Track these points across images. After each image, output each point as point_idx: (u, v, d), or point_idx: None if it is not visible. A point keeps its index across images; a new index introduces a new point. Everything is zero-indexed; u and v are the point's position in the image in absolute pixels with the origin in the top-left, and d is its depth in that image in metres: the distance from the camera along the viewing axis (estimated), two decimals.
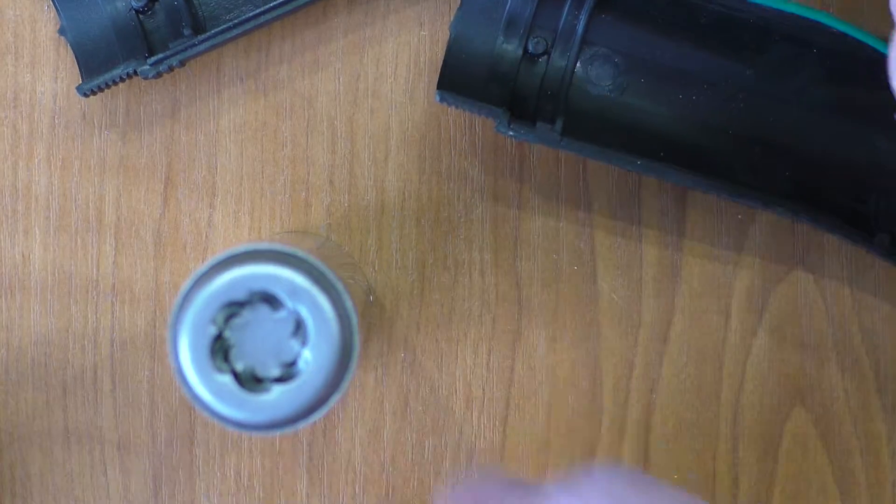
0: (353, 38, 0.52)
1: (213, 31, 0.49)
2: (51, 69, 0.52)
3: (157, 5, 0.49)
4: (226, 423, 0.43)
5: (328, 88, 0.52)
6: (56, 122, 0.52)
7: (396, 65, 0.52)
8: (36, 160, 0.52)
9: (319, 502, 0.52)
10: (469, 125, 0.52)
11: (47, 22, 0.51)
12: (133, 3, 0.49)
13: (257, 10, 0.49)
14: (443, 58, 0.49)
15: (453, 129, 0.52)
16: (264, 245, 0.43)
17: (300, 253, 0.43)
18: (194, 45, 0.49)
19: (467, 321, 0.52)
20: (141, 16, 0.49)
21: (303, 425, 0.43)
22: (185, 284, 0.43)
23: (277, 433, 0.44)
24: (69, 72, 0.51)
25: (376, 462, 0.52)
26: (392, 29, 0.52)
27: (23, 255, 0.52)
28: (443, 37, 0.52)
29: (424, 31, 0.52)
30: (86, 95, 0.49)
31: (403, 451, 0.52)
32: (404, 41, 0.52)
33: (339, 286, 0.43)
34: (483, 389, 0.52)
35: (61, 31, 0.50)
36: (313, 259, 0.43)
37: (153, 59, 0.48)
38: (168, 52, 0.49)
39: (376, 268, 0.52)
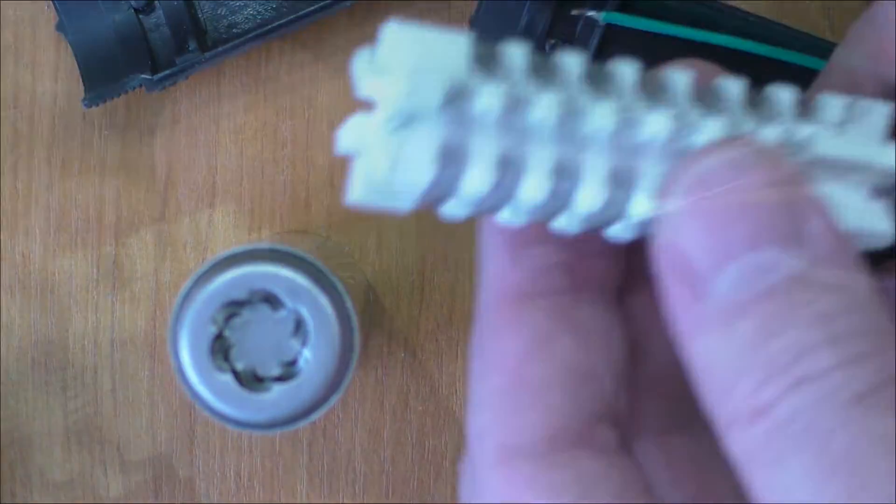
0: (354, 37, 0.52)
1: (219, 49, 0.49)
2: (51, 69, 0.52)
3: (156, 3, 0.50)
4: (226, 421, 0.43)
5: (328, 88, 0.52)
6: (56, 122, 0.52)
7: None
8: (36, 160, 0.52)
9: (319, 502, 0.52)
10: None
11: (47, 22, 0.51)
12: (132, 3, 0.49)
13: (264, 29, 0.49)
14: None
15: None
16: (264, 245, 0.43)
17: (300, 253, 0.43)
18: (200, 61, 0.49)
19: (467, 321, 0.52)
20: (141, 16, 0.49)
21: (303, 424, 0.43)
22: (186, 284, 0.43)
23: (277, 432, 0.44)
24: (69, 72, 0.51)
25: (376, 462, 0.52)
26: None
27: (23, 255, 0.52)
28: None
29: None
30: (89, 107, 0.49)
31: (403, 451, 0.52)
32: None
33: (339, 286, 0.43)
34: None
35: (59, 27, 0.49)
36: (313, 259, 0.43)
37: (159, 75, 0.49)
38: (175, 69, 0.49)
39: (376, 268, 0.52)
